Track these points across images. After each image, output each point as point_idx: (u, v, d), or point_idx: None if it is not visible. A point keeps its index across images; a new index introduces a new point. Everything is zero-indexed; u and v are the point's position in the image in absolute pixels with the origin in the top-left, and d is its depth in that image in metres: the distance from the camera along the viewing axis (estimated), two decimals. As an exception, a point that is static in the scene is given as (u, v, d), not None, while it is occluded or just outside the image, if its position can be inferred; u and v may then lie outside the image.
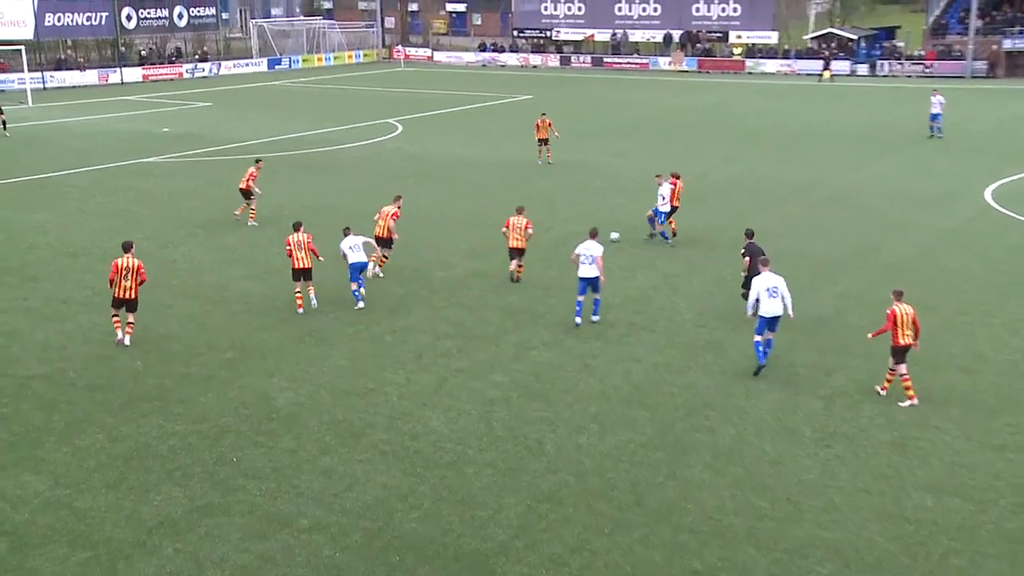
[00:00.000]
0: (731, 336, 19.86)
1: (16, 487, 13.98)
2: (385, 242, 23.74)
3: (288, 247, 21.26)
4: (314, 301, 21.60)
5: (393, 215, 23.71)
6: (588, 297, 20.68)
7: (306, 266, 21.22)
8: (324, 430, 15.68)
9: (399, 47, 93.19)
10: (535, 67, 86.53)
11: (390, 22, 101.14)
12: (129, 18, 76.46)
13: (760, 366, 17.90)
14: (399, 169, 37.59)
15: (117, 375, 17.95)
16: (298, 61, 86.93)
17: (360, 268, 21.84)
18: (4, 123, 47.71)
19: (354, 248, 21.79)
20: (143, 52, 79.00)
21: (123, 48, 76.89)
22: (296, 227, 21.54)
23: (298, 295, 21.42)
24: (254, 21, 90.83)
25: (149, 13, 78.08)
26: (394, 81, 75.60)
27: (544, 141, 38.91)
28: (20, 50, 62.53)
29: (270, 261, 25.19)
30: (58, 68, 71.72)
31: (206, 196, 33.26)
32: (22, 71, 63.11)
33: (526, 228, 23.11)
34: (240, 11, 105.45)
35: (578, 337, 19.83)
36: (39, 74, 68.33)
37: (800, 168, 38.15)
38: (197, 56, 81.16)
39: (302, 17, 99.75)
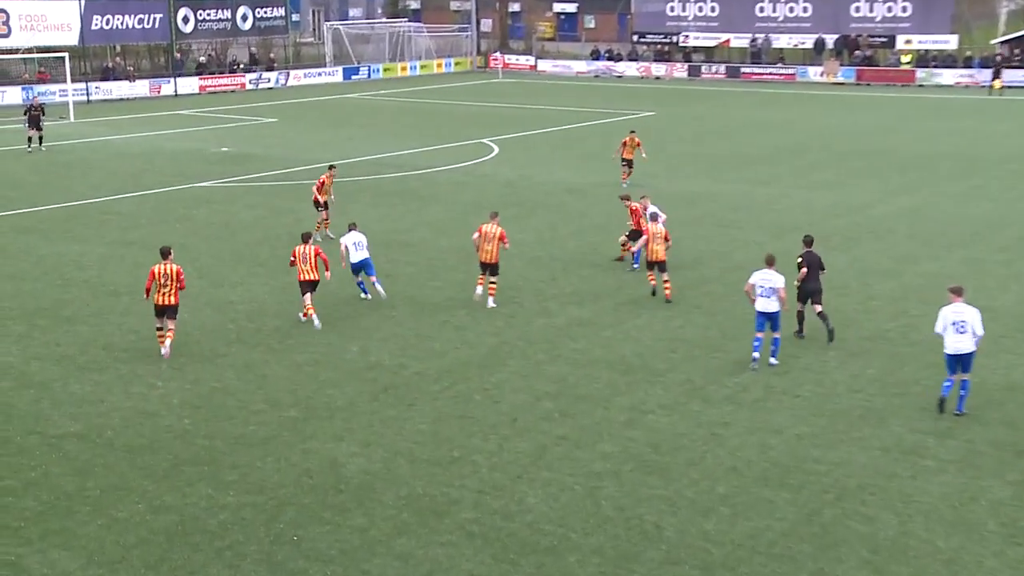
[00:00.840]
0: (894, 404, 19.48)
1: (43, 565, 14.32)
2: (492, 268, 25.25)
3: (293, 259, 23.94)
4: (317, 322, 23.74)
5: (502, 236, 25.12)
6: (767, 336, 21.30)
7: (313, 278, 23.89)
8: (401, 505, 15.79)
9: (497, 54, 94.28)
10: (658, 78, 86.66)
11: (487, 25, 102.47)
12: (186, 20, 78.70)
13: (942, 398, 18.91)
14: (494, 197, 37.91)
15: (161, 435, 18.35)
16: (379, 70, 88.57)
17: (360, 266, 25.38)
18: (41, 138, 49.71)
19: (357, 246, 25.28)
20: (201, 59, 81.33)
21: (178, 55, 79.26)
22: (304, 239, 24.18)
23: (308, 308, 24.02)
24: (328, 24, 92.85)
25: (209, 14, 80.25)
26: (490, 94, 76.44)
27: (629, 163, 39.91)
28: (63, 57, 64.91)
29: (340, 306, 25.58)
30: (104, 78, 74.24)
31: (270, 227, 33.95)
32: (64, 82, 65.46)
33: (666, 238, 25.51)
34: (313, 12, 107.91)
35: (705, 400, 19.67)
36: (83, 85, 70.85)
37: (984, 203, 37.40)
38: (249, 64, 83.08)
39: (384, 19, 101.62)
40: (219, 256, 30.32)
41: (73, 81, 66.49)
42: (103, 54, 78.03)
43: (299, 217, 34.37)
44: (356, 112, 66.93)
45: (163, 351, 21.97)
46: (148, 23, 76.72)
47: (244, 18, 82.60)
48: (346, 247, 25.22)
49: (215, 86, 78.03)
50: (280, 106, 69.30)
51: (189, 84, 76.78)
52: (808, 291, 22.53)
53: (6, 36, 69.48)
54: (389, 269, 28.54)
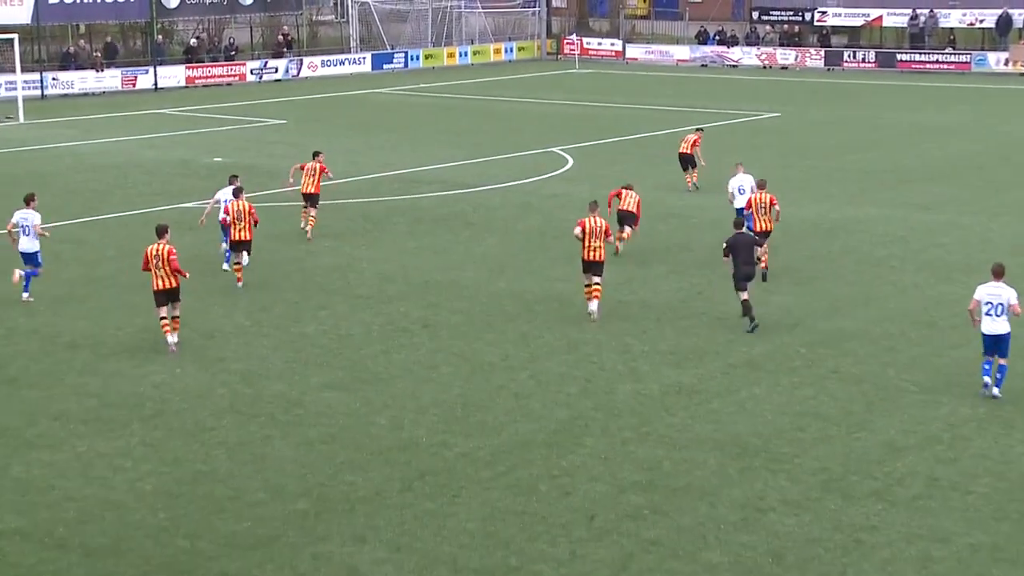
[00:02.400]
0: (1100, 503, 19.21)
1: None
2: (598, 267, 28.13)
3: (226, 215, 30.14)
4: (240, 284, 30.14)
5: (606, 229, 28.26)
6: (994, 362, 23.29)
7: (246, 238, 30.26)
8: (439, 630, 15.77)
9: (573, 37, 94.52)
10: (785, 68, 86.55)
11: (560, 0, 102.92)
12: (171, -7, 79.75)
13: None
14: (564, 223, 37.79)
15: (129, 532, 18.41)
16: (418, 58, 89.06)
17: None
18: None
19: (228, 202, 30.75)
20: (191, 42, 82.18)
21: (160, 37, 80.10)
22: (236, 193, 30.66)
23: (236, 267, 30.48)
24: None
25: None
26: (563, 89, 76.66)
27: (684, 159, 43.39)
28: (12, 40, 65.55)
29: (365, 362, 25.66)
30: (64, 66, 74.79)
31: (275, 262, 34.08)
32: (12, 71, 66.12)
33: (772, 204, 30.66)
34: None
35: (845, 495, 19.47)
36: (36, 76, 71.62)
37: None
38: (252, 49, 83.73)
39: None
40: (207, 298, 30.44)
41: (23, 70, 67.14)
42: (63, 36, 78.90)
43: (311, 249, 34.59)
44: (388, 112, 67.39)
45: (170, 342, 25.88)
46: (121, -4, 77.74)
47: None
48: (220, 201, 31.55)
49: (207, 77, 78.96)
50: (290, 104, 69.95)
51: (173, 75, 77.67)
52: (744, 276, 26.87)
53: (-65, 12, 70.53)
54: (428, 318, 28.62)
